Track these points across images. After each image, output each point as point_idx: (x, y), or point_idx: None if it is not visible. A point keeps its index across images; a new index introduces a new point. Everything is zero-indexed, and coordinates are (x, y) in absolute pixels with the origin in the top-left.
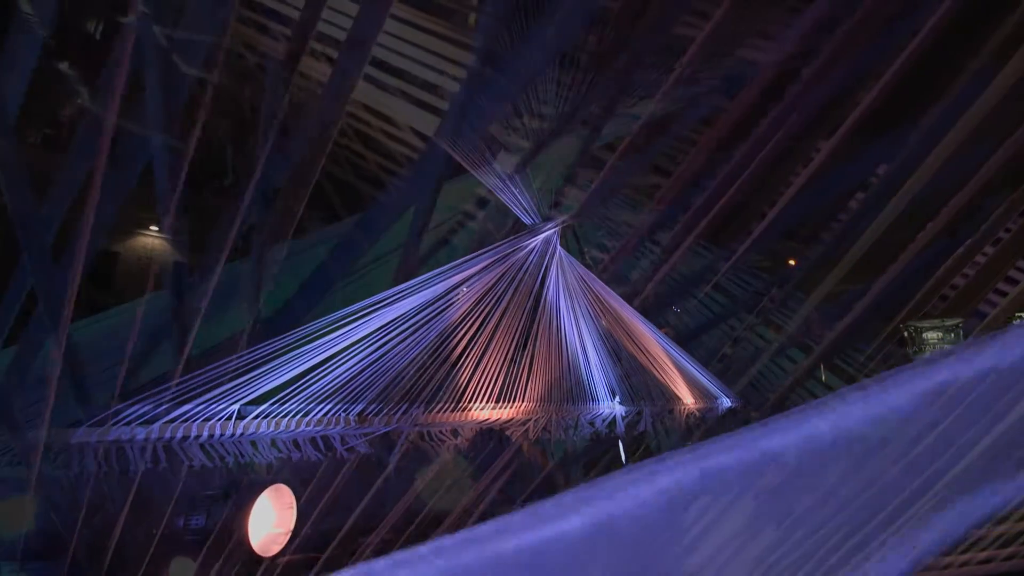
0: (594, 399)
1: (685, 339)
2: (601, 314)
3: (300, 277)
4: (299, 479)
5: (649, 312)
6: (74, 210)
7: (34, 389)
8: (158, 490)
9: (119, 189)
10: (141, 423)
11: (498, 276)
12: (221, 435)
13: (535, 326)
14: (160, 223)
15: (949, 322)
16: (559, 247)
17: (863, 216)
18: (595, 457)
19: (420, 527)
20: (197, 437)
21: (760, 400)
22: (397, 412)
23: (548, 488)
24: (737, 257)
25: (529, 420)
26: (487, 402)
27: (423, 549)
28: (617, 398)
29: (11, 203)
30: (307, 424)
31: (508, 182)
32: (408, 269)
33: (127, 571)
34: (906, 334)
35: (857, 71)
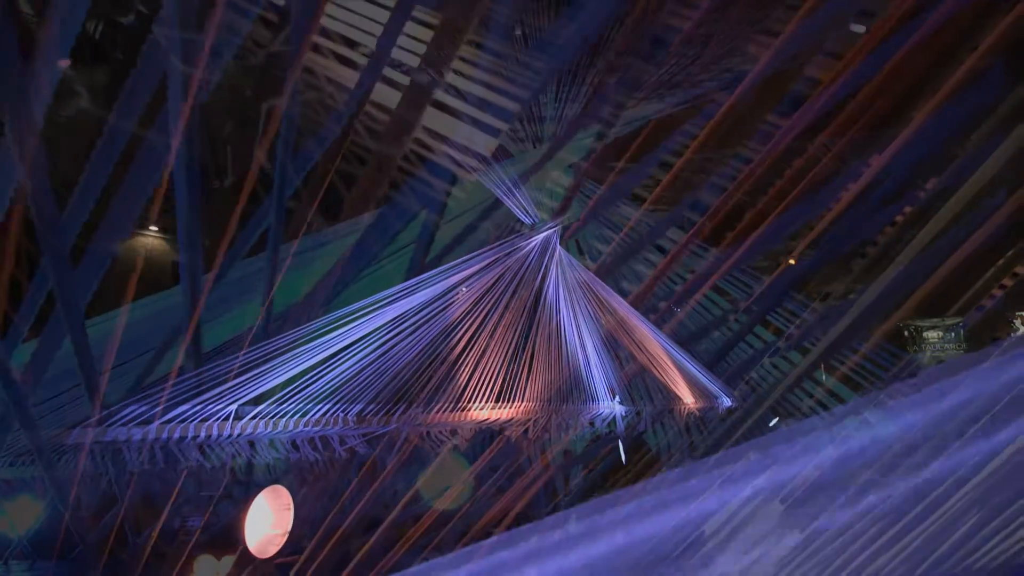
0: (594, 399)
1: (685, 340)
2: (601, 314)
3: (309, 275)
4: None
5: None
6: (95, 213)
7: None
8: (159, 490)
9: (140, 194)
10: (138, 424)
11: (498, 276)
12: (219, 436)
13: (535, 326)
14: (159, 223)
15: (949, 321)
16: (559, 247)
17: (908, 228)
18: (596, 457)
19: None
20: (195, 438)
21: (757, 400)
22: (396, 412)
23: (549, 489)
24: (781, 269)
25: (529, 420)
26: (487, 402)
27: None
28: (617, 398)
29: (35, 208)
30: (305, 424)
31: (509, 183)
32: (419, 267)
33: (136, 570)
34: (906, 333)
35: (912, 88)
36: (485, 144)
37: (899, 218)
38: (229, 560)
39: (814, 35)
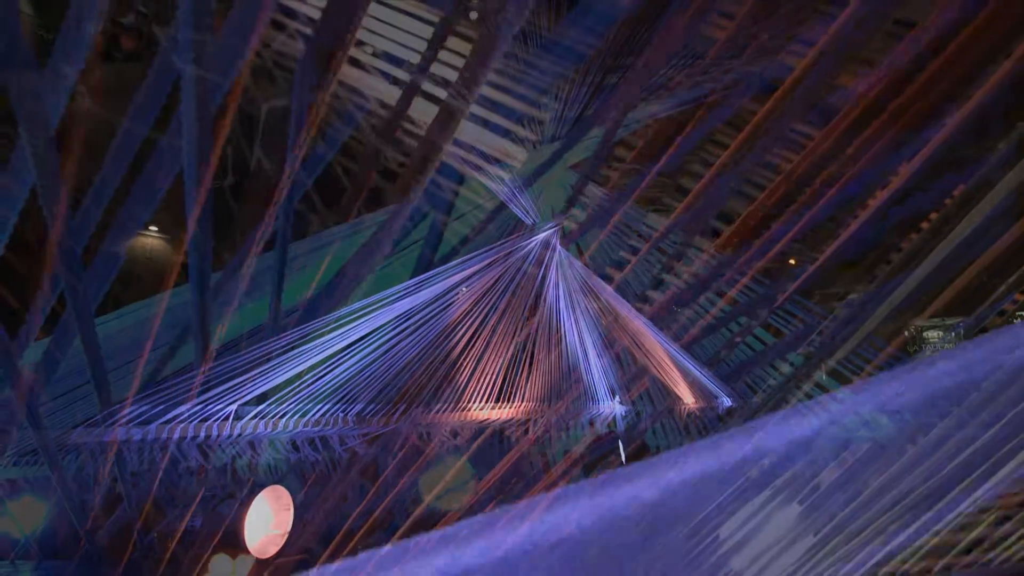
0: (594, 399)
1: (686, 342)
2: (601, 314)
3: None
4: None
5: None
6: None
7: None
8: (164, 490)
9: (152, 195)
10: (138, 424)
11: (497, 276)
12: (218, 436)
13: (535, 326)
14: (159, 224)
15: (949, 321)
16: (559, 247)
17: (933, 234)
18: (596, 457)
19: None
20: (194, 438)
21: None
22: (396, 412)
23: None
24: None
25: (529, 420)
26: (487, 402)
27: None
28: (617, 398)
29: (48, 212)
30: (305, 424)
31: (510, 183)
32: (427, 265)
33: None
34: (907, 333)
35: (949, 95)
36: (514, 152)
37: (924, 224)
38: (243, 560)
39: (847, 43)
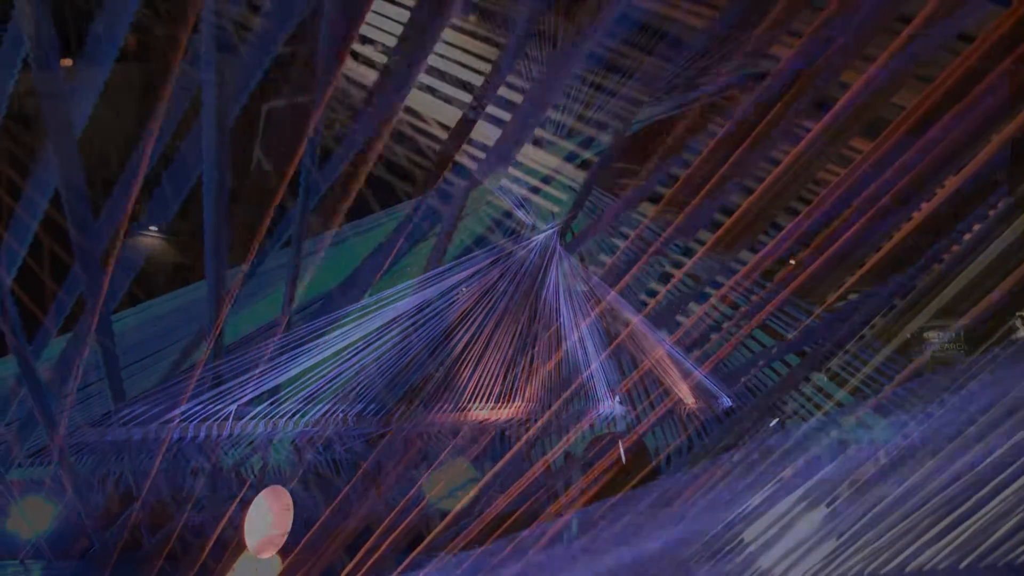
0: (594, 399)
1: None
2: (601, 314)
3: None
4: None
5: None
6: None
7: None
8: (169, 491)
9: (171, 200)
10: (138, 424)
11: (498, 276)
12: (218, 435)
13: (535, 326)
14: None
15: (949, 322)
16: (559, 247)
17: (975, 247)
18: (595, 458)
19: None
20: (194, 438)
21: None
22: (396, 412)
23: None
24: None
25: (529, 420)
26: (487, 402)
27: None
28: (617, 398)
29: (70, 216)
30: (306, 425)
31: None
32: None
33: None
34: (908, 335)
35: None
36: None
37: (967, 236)
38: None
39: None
